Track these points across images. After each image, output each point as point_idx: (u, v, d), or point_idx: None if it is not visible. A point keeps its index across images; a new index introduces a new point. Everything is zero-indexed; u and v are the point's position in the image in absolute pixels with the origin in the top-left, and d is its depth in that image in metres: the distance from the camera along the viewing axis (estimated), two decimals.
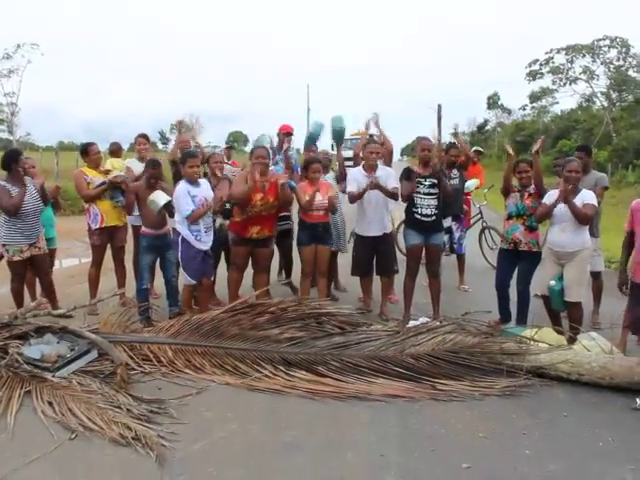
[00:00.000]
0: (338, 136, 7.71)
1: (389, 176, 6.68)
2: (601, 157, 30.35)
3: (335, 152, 8.21)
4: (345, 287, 7.96)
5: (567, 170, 5.83)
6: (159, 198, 6.14)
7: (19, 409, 4.37)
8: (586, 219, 5.75)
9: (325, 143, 8.37)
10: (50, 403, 4.41)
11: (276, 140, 7.86)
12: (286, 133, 7.78)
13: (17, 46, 37.63)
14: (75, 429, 4.07)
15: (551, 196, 5.96)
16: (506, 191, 6.45)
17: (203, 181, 6.43)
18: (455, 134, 8.10)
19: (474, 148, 11.42)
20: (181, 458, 3.76)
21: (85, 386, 4.68)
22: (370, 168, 6.68)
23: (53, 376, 4.77)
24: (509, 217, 6.35)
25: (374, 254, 6.87)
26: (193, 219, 6.10)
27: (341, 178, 7.62)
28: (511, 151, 6.93)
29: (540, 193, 6.18)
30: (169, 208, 6.27)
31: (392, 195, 6.54)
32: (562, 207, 5.77)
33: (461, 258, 8.66)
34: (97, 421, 4.11)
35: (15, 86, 39.65)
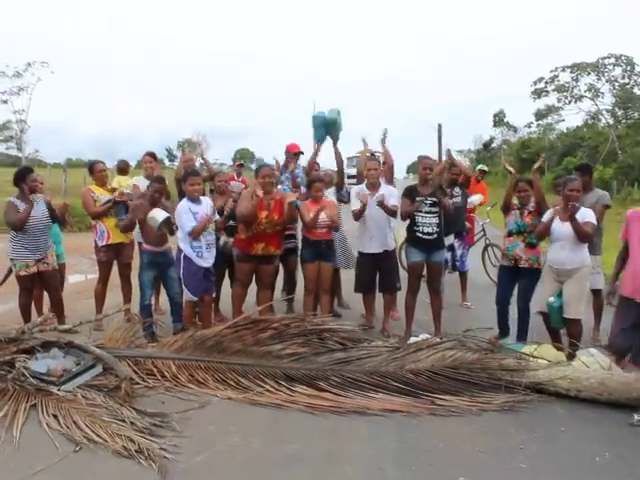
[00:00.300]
0: (333, 129, 7.55)
1: (391, 194, 6.78)
2: (607, 174, 30.42)
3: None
4: (348, 304, 8.02)
5: (568, 189, 5.90)
6: (158, 215, 6.24)
7: (25, 422, 4.44)
8: (587, 237, 5.82)
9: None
10: (55, 416, 4.48)
11: (283, 159, 7.97)
12: (295, 153, 7.89)
13: (27, 64, 38.19)
14: (79, 441, 4.14)
15: (550, 213, 6.05)
16: (506, 208, 6.54)
17: (205, 199, 6.52)
18: (448, 155, 8.15)
19: (478, 167, 11.50)
20: (183, 470, 3.83)
21: (90, 400, 4.75)
22: (372, 186, 6.78)
23: (59, 390, 4.85)
24: (509, 234, 6.43)
25: (377, 271, 6.95)
26: (195, 235, 6.21)
27: (341, 183, 7.72)
28: (512, 169, 7.02)
29: (540, 211, 6.27)
30: (169, 226, 6.37)
31: (391, 213, 6.65)
32: (561, 225, 5.85)
33: (463, 275, 8.73)
34: (101, 434, 4.19)
35: (25, 104, 40.13)
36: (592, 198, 6.76)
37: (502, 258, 6.67)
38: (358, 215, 6.73)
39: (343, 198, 7.64)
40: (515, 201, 6.51)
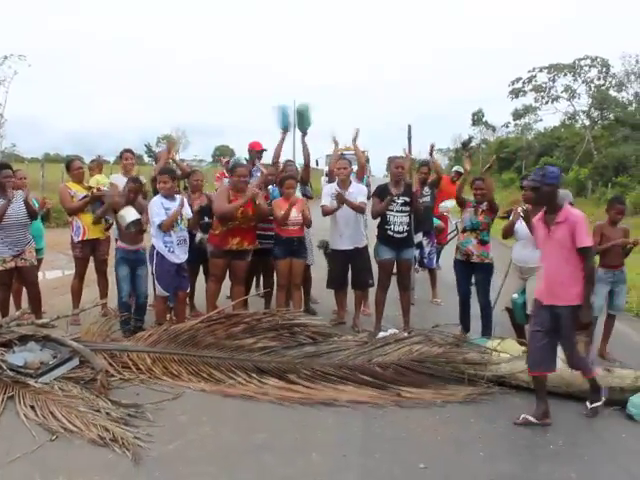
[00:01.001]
0: (301, 121, 7.67)
1: (360, 192, 6.99)
2: (582, 175, 30.92)
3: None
4: (316, 299, 8.14)
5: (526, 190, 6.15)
6: (127, 215, 6.38)
7: (2, 412, 4.57)
8: None
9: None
10: (32, 407, 4.61)
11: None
12: (257, 151, 8.01)
13: (4, 57, 37.77)
14: (56, 431, 4.28)
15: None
16: (460, 204, 6.81)
17: (179, 197, 6.58)
18: (430, 155, 8.36)
19: (454, 168, 11.69)
20: (156, 458, 3.99)
21: (66, 391, 4.89)
22: (343, 183, 6.97)
23: (36, 382, 4.96)
24: (464, 230, 6.70)
25: (348, 267, 7.13)
26: (164, 228, 6.30)
27: (306, 178, 7.86)
28: (468, 167, 7.30)
29: (492, 209, 6.56)
30: (138, 226, 6.49)
31: (357, 209, 6.84)
32: (523, 225, 6.07)
33: (433, 272, 8.95)
34: (77, 423, 4.33)
35: (1, 97, 39.70)
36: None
37: (455, 252, 6.90)
38: (328, 212, 6.92)
39: (307, 193, 7.77)
40: (471, 199, 6.74)
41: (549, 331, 4.69)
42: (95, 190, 7.18)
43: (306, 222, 6.97)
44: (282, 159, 8.15)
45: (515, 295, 6.15)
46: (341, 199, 6.69)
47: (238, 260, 6.83)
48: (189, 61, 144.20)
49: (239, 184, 6.66)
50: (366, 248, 7.24)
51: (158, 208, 6.34)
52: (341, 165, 7.04)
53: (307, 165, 7.99)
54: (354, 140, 7.67)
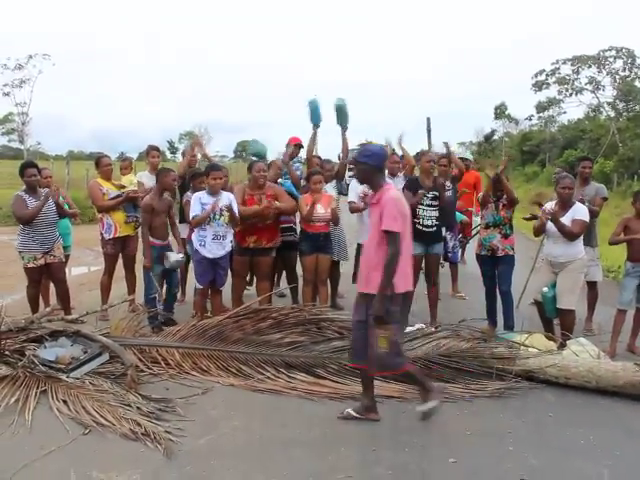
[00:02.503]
0: (340, 116, 7.65)
1: None
2: (607, 167, 30.52)
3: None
4: (343, 294, 8.07)
5: (560, 187, 6.11)
6: (172, 256, 6.66)
7: (36, 407, 4.64)
8: (572, 236, 6.02)
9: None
10: (65, 401, 4.69)
11: (284, 150, 8.09)
12: (297, 145, 8.02)
13: (29, 57, 38.33)
14: (88, 425, 4.35)
15: (547, 207, 6.24)
16: (484, 203, 6.76)
17: (227, 194, 6.54)
18: (447, 150, 8.29)
19: (458, 156, 11.56)
20: (187, 452, 4.04)
21: (97, 386, 4.96)
22: None
23: (67, 377, 5.05)
24: (487, 226, 6.67)
25: None
26: (194, 223, 6.38)
27: (342, 174, 7.85)
28: (491, 173, 7.21)
29: (512, 203, 6.57)
30: (180, 264, 6.86)
31: None
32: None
33: (454, 266, 8.92)
34: (109, 418, 4.40)
35: (26, 96, 40.28)
36: (590, 191, 6.97)
37: (479, 248, 6.84)
38: (356, 210, 6.91)
39: (342, 190, 7.78)
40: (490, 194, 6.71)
41: (365, 321, 4.35)
42: (131, 191, 7.26)
43: (333, 219, 6.96)
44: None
45: (545, 289, 6.11)
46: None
47: (260, 257, 6.82)
48: (212, 60, 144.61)
49: (259, 179, 6.68)
50: None
51: (195, 203, 6.41)
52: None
53: (344, 161, 7.95)
54: (399, 143, 7.69)
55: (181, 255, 6.78)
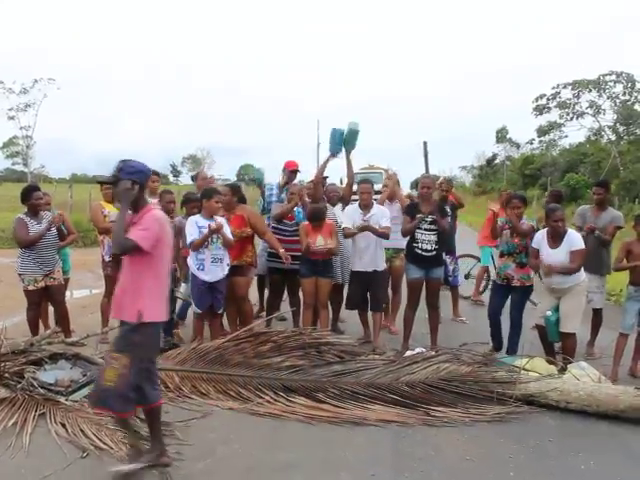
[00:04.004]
0: (351, 141, 7.59)
1: (383, 216, 6.95)
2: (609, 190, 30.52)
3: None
4: (344, 318, 8.07)
5: (553, 220, 6.08)
6: (182, 290, 6.78)
7: (34, 430, 4.61)
8: (575, 271, 6.03)
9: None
10: (63, 424, 4.66)
11: (280, 176, 8.13)
12: (292, 171, 8.03)
13: (34, 81, 38.77)
14: (86, 448, 4.32)
15: (538, 239, 6.26)
16: (494, 237, 6.80)
17: (222, 219, 6.54)
18: (450, 183, 8.31)
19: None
20: (185, 476, 4.01)
21: None
22: (365, 207, 6.98)
23: (66, 399, 5.04)
24: (501, 255, 6.67)
25: (367, 289, 7.08)
26: (194, 247, 6.35)
27: (348, 197, 7.82)
28: (495, 208, 7.25)
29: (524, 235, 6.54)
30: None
31: (382, 235, 6.80)
32: (550, 252, 6.08)
33: (454, 290, 8.92)
34: (106, 441, 4.37)
35: (31, 120, 40.65)
36: (606, 217, 6.93)
37: (496, 276, 6.86)
38: (349, 235, 6.93)
39: None
40: (504, 219, 6.74)
41: None
42: None
43: (331, 252, 6.92)
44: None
45: (549, 312, 6.09)
46: (364, 229, 6.72)
47: (236, 276, 6.77)
48: (213, 83, 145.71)
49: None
50: (385, 271, 7.22)
51: (192, 227, 6.39)
52: (364, 190, 7.02)
53: (350, 184, 7.95)
54: (393, 180, 7.73)
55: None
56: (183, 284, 6.72)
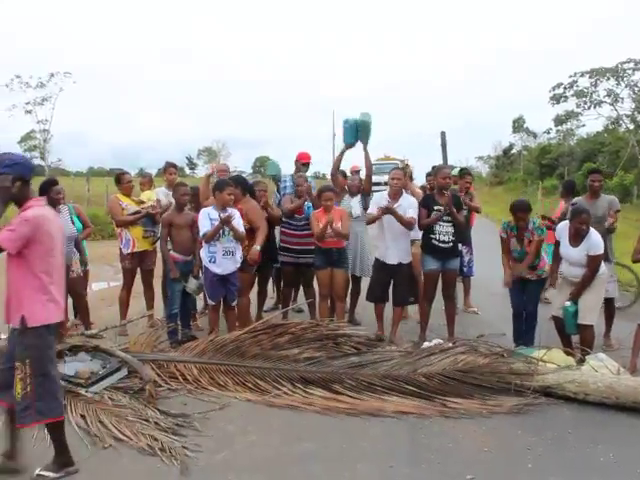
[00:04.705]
0: (364, 132, 7.51)
1: (410, 206, 6.83)
2: (627, 180, 30.29)
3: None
4: (358, 311, 7.99)
5: (578, 222, 6.03)
6: (191, 283, 6.71)
7: None
8: (592, 278, 6.03)
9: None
10: (83, 416, 4.71)
11: (295, 167, 8.13)
12: (304, 163, 8.05)
13: (51, 75, 38.94)
14: (106, 440, 4.38)
15: (561, 229, 6.27)
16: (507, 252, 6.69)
17: (234, 210, 6.53)
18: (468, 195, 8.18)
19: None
20: (203, 467, 4.05)
21: (116, 401, 5.00)
22: (394, 194, 6.89)
23: (86, 391, 5.09)
24: (514, 260, 6.60)
25: (390, 282, 7.03)
26: (206, 239, 6.36)
27: (368, 189, 7.76)
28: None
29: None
30: (201, 289, 6.83)
31: (407, 224, 6.69)
32: (570, 249, 6.10)
33: (466, 281, 8.88)
34: (126, 432, 4.42)
35: (48, 113, 40.88)
36: (603, 204, 6.89)
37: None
38: (371, 220, 6.91)
39: (368, 205, 7.75)
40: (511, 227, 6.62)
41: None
42: (151, 207, 7.34)
43: (337, 236, 6.86)
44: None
45: (568, 303, 6.04)
46: (389, 211, 6.63)
47: (239, 272, 6.72)
48: (228, 75, 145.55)
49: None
50: (410, 265, 7.09)
51: (204, 219, 6.41)
52: (395, 176, 6.95)
53: (369, 176, 7.88)
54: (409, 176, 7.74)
55: (201, 281, 6.76)
56: (192, 279, 6.70)
